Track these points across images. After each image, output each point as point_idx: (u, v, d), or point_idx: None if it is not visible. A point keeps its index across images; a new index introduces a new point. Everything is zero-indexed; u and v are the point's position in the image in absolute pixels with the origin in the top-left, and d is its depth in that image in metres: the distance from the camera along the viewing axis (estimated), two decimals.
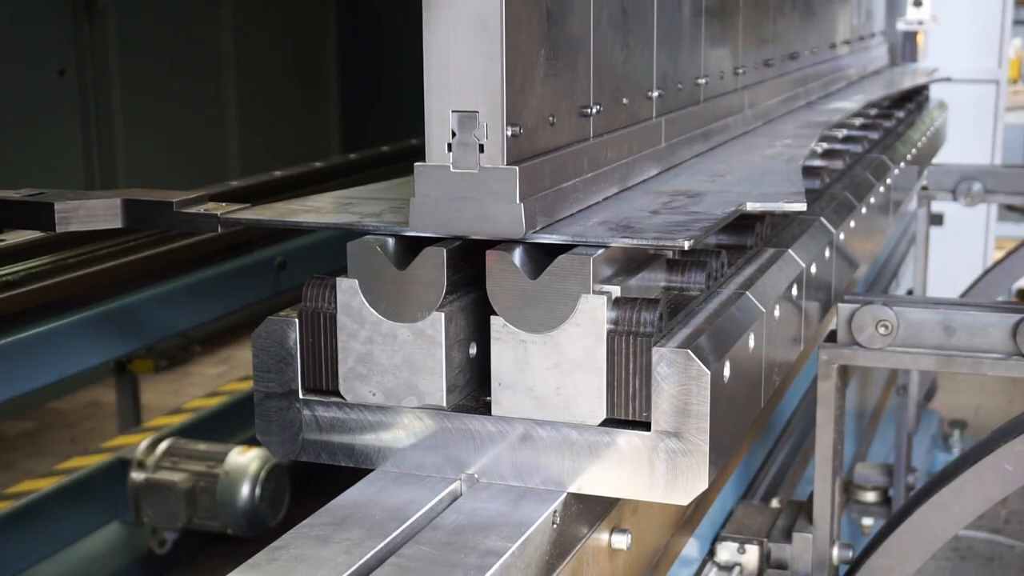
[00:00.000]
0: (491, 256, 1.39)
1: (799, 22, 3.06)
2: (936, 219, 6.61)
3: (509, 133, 1.38)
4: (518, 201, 1.39)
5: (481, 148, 1.39)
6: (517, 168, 1.39)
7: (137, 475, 4.14)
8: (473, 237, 1.42)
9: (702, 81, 2.13)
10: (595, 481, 1.40)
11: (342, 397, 1.47)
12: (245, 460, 4.12)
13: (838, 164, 2.67)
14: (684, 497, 1.38)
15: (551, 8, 1.47)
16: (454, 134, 1.39)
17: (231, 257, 4.26)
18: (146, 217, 1.78)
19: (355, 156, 5.51)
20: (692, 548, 2.06)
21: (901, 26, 5.54)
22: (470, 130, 1.39)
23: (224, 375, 6.71)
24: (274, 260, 4.43)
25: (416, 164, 1.42)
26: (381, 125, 7.90)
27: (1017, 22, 9.10)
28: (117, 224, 1.78)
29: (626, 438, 1.38)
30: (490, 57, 1.36)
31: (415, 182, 1.41)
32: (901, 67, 5.09)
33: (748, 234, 1.88)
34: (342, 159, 5.36)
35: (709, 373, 1.34)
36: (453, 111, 1.39)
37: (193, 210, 1.74)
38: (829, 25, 3.54)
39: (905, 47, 5.53)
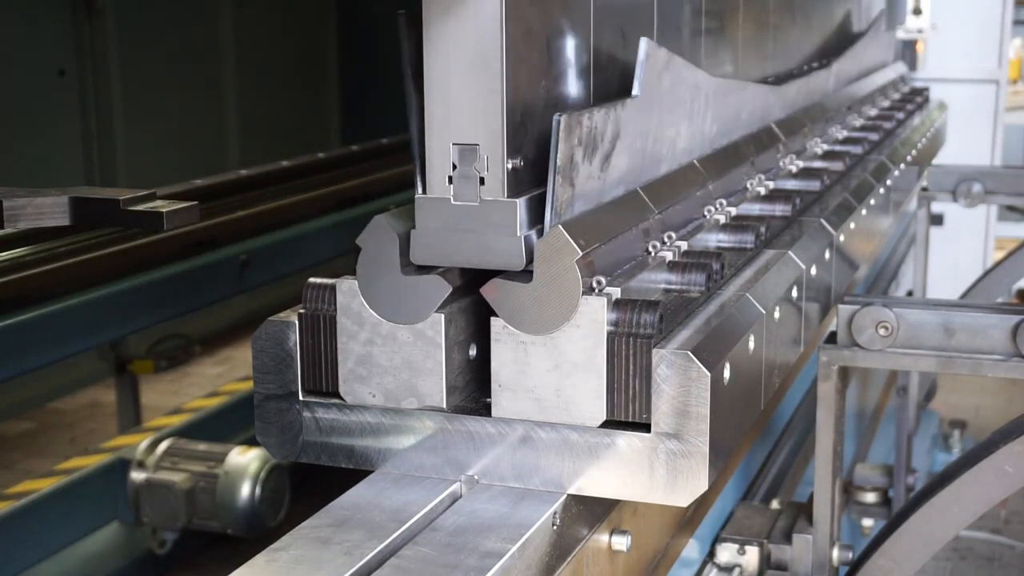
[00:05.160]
0: (489, 290, 1.39)
1: (799, 35, 3.05)
2: (936, 220, 6.62)
3: (509, 166, 1.38)
4: (519, 234, 1.39)
5: (482, 181, 1.39)
6: (517, 201, 1.39)
7: (137, 475, 4.14)
8: (474, 267, 1.42)
9: None
10: (595, 482, 1.40)
11: (342, 399, 1.47)
12: (245, 460, 4.12)
13: (838, 166, 2.67)
14: (684, 498, 1.38)
15: (551, 39, 1.47)
16: (455, 167, 1.40)
17: (194, 255, 4.29)
18: (93, 215, 1.79)
19: (323, 155, 5.56)
20: (692, 549, 2.06)
21: (901, 34, 5.54)
22: (471, 163, 1.39)
23: (224, 375, 6.71)
24: (238, 258, 4.45)
25: (417, 196, 1.42)
26: (382, 118, 7.91)
27: (1017, 22, 9.11)
28: (65, 221, 1.79)
29: (626, 440, 1.38)
30: (491, 91, 1.36)
31: (416, 214, 1.42)
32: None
33: (748, 236, 1.89)
34: (311, 157, 5.39)
35: (709, 375, 1.34)
36: (454, 144, 1.39)
37: (140, 208, 1.75)
38: (828, 36, 3.53)
39: (905, 55, 5.54)
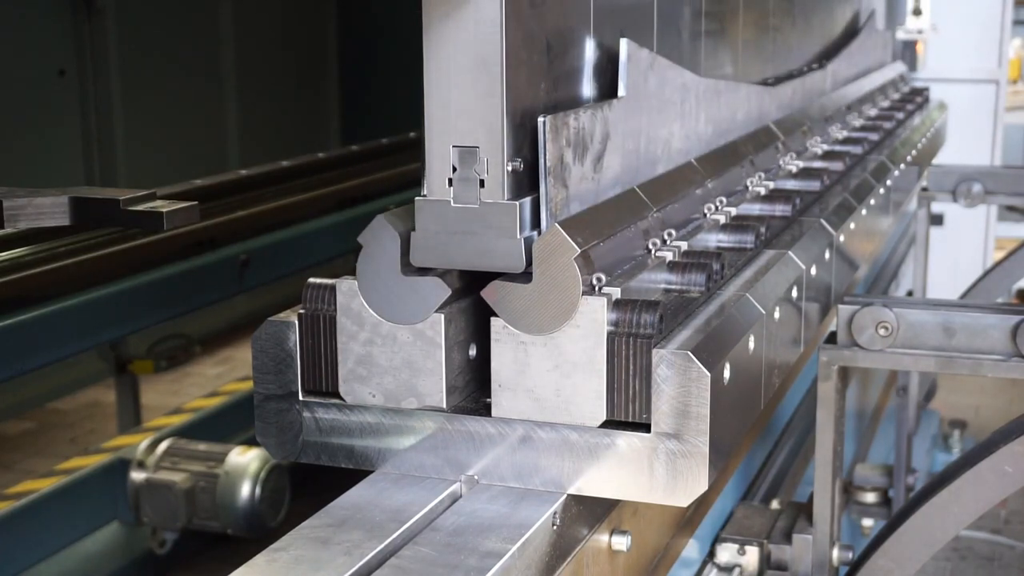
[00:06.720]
0: (489, 293, 1.39)
1: (799, 37, 3.05)
2: (936, 220, 6.63)
3: (509, 168, 1.38)
4: (519, 236, 1.39)
5: (482, 183, 1.39)
6: (517, 203, 1.39)
7: (137, 475, 4.14)
8: (474, 270, 1.42)
9: None
10: (595, 482, 1.40)
11: (342, 399, 1.47)
12: (245, 460, 4.12)
13: (838, 166, 2.67)
14: (684, 499, 1.38)
15: (551, 42, 1.47)
16: (455, 169, 1.40)
17: (194, 255, 4.29)
18: (93, 215, 1.79)
19: (323, 155, 5.58)
20: (692, 549, 2.07)
21: (901, 35, 5.53)
22: (471, 165, 1.39)
23: (224, 375, 6.71)
24: (238, 258, 4.45)
25: (416, 199, 1.42)
26: (382, 118, 7.91)
27: (1017, 22, 9.12)
28: (65, 221, 1.79)
29: (626, 440, 1.38)
30: (490, 94, 1.37)
31: (416, 216, 1.42)
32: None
33: (748, 236, 1.89)
34: (311, 158, 5.40)
35: (709, 375, 1.34)
36: (454, 146, 1.39)
37: (139, 208, 1.75)
38: (828, 37, 3.54)
39: (905, 55, 5.53)
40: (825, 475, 2.08)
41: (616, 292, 1.40)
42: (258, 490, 4.08)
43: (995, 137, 7.06)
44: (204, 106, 7.42)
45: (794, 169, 2.50)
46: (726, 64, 2.33)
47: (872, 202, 2.67)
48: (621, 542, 1.56)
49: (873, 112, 3.73)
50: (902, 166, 3.23)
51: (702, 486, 1.37)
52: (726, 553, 2.12)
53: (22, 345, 3.65)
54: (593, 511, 1.48)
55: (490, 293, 1.39)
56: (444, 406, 1.43)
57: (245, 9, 7.59)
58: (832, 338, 2.03)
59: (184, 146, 7.23)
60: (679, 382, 1.35)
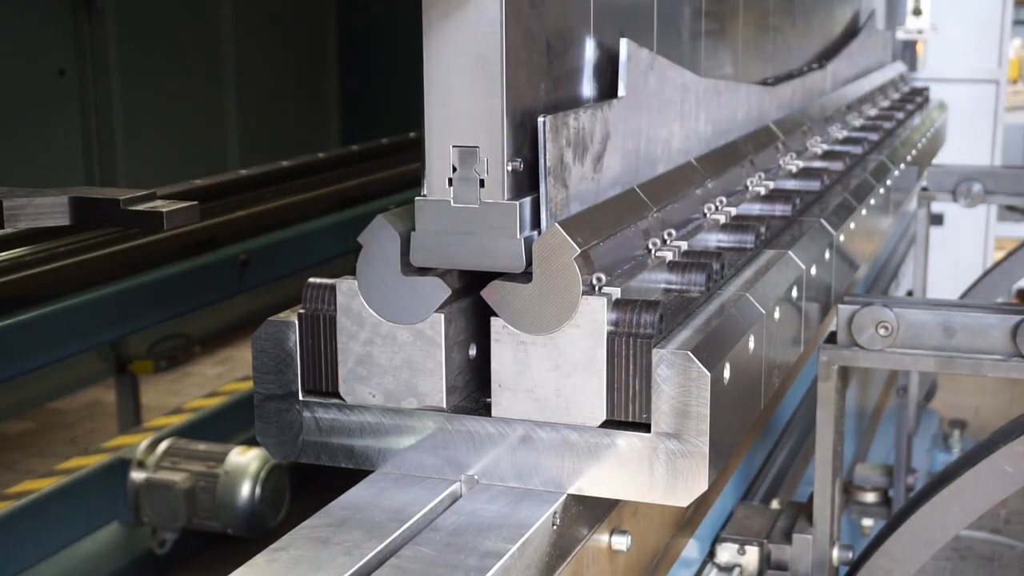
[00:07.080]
0: (489, 293, 1.39)
1: (799, 37, 3.05)
2: (936, 220, 6.63)
3: (509, 168, 1.38)
4: (519, 236, 1.39)
5: (482, 183, 1.39)
6: (517, 203, 1.39)
7: (137, 475, 4.14)
8: (474, 270, 1.42)
9: None
10: (595, 482, 1.40)
11: (342, 399, 1.47)
12: (245, 460, 4.12)
13: (838, 166, 2.67)
14: (684, 498, 1.38)
15: (551, 42, 1.47)
16: (455, 169, 1.40)
17: (194, 255, 4.29)
18: (94, 215, 1.80)
19: (323, 155, 5.58)
20: (692, 549, 2.07)
21: (901, 35, 5.53)
22: (471, 165, 1.39)
23: (224, 375, 6.71)
24: (238, 258, 4.45)
25: (416, 199, 1.42)
26: (382, 118, 7.91)
27: (1017, 22, 9.12)
28: (65, 221, 1.79)
29: (626, 439, 1.38)
30: (490, 94, 1.37)
31: (416, 216, 1.42)
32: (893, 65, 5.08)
33: (748, 236, 1.89)
34: (311, 158, 5.40)
35: (709, 375, 1.34)
36: (454, 146, 1.39)
37: (140, 208, 1.75)
38: (828, 37, 3.54)
39: (905, 55, 5.53)
40: (825, 475, 2.08)
41: (616, 292, 1.40)
42: (258, 490, 4.08)
43: (995, 137, 7.06)
44: (204, 106, 7.42)
45: (794, 169, 2.50)
46: (726, 64, 2.33)
47: (872, 202, 2.67)
48: (621, 542, 1.56)
49: (873, 112, 3.73)
50: (902, 166, 3.23)
51: (702, 486, 1.37)
52: (726, 553, 2.12)
53: (22, 345, 3.65)
54: (593, 511, 1.48)
55: (490, 293, 1.39)
56: (444, 406, 1.43)
57: (245, 9, 7.59)
58: (832, 338, 2.03)
59: (184, 146, 7.23)
60: (679, 382, 1.35)
